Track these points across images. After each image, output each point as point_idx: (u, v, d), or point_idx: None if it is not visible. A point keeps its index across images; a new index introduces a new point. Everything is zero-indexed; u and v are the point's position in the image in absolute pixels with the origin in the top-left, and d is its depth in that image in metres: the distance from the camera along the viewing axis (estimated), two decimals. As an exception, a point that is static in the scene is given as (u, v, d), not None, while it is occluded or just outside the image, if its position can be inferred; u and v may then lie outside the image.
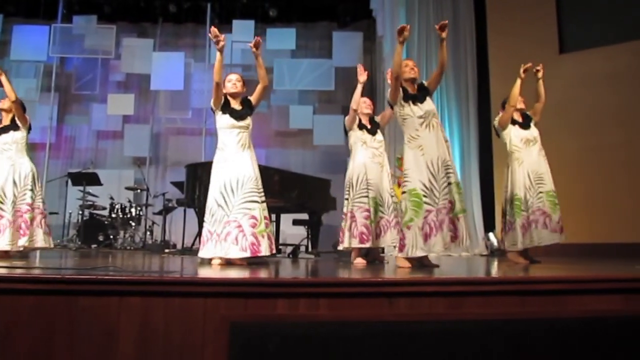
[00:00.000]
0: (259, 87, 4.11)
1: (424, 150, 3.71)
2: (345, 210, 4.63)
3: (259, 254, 3.77)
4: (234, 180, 3.84)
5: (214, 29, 3.85)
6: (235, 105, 4.04)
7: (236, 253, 3.72)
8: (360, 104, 4.69)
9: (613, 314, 2.36)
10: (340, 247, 4.66)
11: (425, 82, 3.99)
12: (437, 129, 3.81)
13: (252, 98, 4.13)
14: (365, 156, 4.62)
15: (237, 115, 3.98)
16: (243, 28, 10.53)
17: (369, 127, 4.72)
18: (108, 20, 10.67)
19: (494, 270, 3.88)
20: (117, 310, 2.17)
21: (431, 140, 3.74)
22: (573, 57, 8.04)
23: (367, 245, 4.46)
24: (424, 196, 3.60)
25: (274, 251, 3.97)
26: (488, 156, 8.55)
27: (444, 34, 3.84)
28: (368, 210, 4.47)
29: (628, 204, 7.09)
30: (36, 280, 2.24)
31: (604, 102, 7.43)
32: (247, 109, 4.05)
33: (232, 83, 4.07)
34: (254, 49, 3.98)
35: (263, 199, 3.92)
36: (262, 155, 10.67)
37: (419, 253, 3.58)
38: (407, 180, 3.70)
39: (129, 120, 10.73)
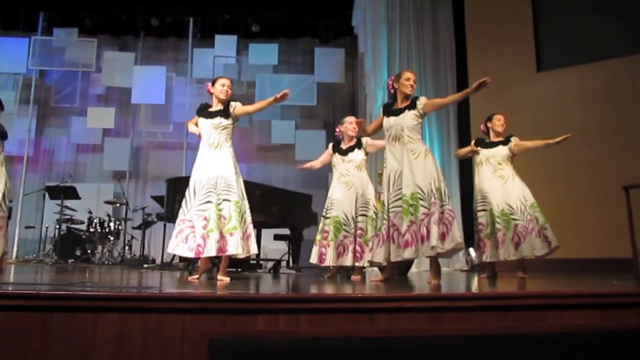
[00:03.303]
0: (251, 107, 3.97)
1: (387, 163, 3.92)
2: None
3: (201, 255, 3.70)
4: (197, 182, 3.80)
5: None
6: (214, 107, 3.96)
7: (184, 252, 3.74)
8: (346, 125, 4.79)
9: (591, 330, 2.39)
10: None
11: (424, 99, 3.89)
12: (402, 142, 3.81)
13: (238, 107, 3.93)
14: (334, 177, 4.81)
15: (207, 115, 3.92)
16: (225, 43, 10.59)
17: (343, 148, 4.78)
18: (89, 34, 10.64)
19: (474, 286, 3.90)
20: (94, 326, 2.13)
21: (393, 153, 3.87)
22: (550, 75, 8.20)
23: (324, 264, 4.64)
24: (381, 211, 3.90)
25: (252, 251, 3.89)
26: (468, 172, 8.62)
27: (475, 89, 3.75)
28: (326, 232, 4.66)
29: (595, 220, 7.21)
30: (9, 296, 2.18)
31: (575, 119, 7.57)
32: (221, 111, 3.91)
33: (226, 88, 3.95)
34: (280, 98, 3.75)
35: (233, 196, 3.77)
36: (244, 170, 10.52)
37: (376, 259, 3.85)
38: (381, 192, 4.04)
39: (109, 134, 10.67)
